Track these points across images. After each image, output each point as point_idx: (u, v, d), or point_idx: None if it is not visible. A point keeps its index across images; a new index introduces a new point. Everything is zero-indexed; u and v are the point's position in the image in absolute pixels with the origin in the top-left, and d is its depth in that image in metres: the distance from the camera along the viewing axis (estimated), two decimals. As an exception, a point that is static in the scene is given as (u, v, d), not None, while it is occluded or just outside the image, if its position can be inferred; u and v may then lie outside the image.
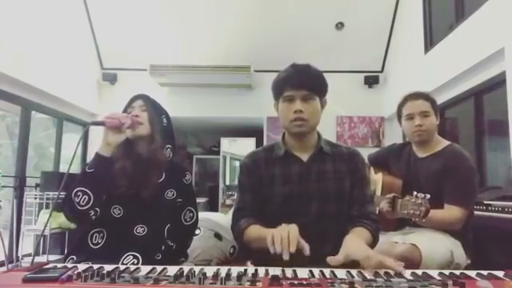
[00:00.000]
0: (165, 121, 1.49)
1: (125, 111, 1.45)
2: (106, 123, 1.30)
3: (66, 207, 1.30)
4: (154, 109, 1.47)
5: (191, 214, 1.48)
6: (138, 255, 1.26)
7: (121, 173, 1.37)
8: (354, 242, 1.14)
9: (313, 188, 1.34)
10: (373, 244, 1.29)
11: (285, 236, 1.01)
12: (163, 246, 1.38)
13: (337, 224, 1.33)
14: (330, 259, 1.05)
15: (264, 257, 1.06)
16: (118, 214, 1.37)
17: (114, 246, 1.30)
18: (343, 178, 1.37)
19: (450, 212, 1.69)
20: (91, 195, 1.27)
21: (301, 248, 1.01)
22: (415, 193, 1.49)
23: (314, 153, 1.39)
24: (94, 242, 1.34)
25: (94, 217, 1.31)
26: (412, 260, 1.54)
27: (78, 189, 1.27)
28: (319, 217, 1.33)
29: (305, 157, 1.39)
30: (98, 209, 1.31)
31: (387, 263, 0.96)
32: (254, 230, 1.28)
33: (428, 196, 1.45)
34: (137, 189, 1.37)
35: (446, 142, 1.87)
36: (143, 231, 1.36)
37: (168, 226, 1.42)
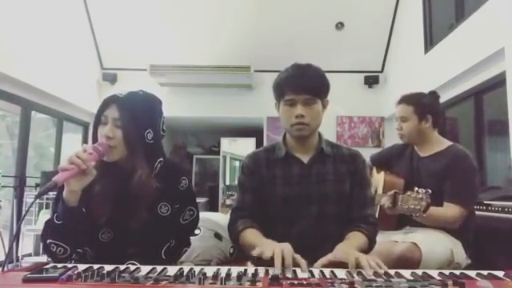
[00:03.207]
0: (150, 136, 1.19)
1: (98, 120, 1.20)
2: (58, 182, 1.02)
3: (45, 253, 1.17)
4: (134, 123, 1.16)
5: (191, 213, 1.31)
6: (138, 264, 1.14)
7: (102, 199, 1.17)
8: (341, 246, 1.16)
9: (313, 190, 1.34)
10: (369, 247, 1.29)
11: (278, 253, 0.98)
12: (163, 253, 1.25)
13: (337, 226, 1.33)
14: (320, 263, 1.05)
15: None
16: (108, 237, 1.20)
17: (111, 263, 1.14)
18: (344, 180, 1.36)
19: (449, 210, 1.70)
20: (66, 247, 1.12)
21: (298, 262, 1.00)
22: (416, 188, 1.50)
23: (314, 154, 1.38)
24: (91, 255, 1.22)
25: (77, 257, 1.17)
26: (412, 259, 1.55)
27: (49, 241, 1.11)
28: (319, 218, 1.33)
29: (305, 158, 1.38)
30: (80, 250, 1.17)
31: (362, 263, 0.96)
32: (250, 237, 1.26)
33: (429, 191, 1.46)
34: (124, 217, 1.18)
35: (448, 142, 1.88)
36: (138, 253, 1.20)
37: (166, 246, 1.23)
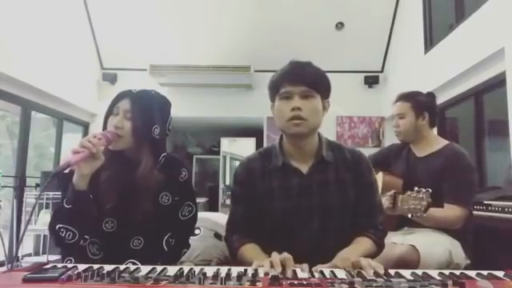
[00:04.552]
0: (157, 132, 1.25)
1: (110, 110, 1.27)
2: (71, 163, 1.08)
3: (53, 239, 1.21)
4: (143, 118, 1.23)
5: (190, 208, 1.33)
6: (138, 263, 1.18)
7: (107, 186, 1.22)
8: (342, 254, 1.12)
9: (314, 202, 1.24)
10: (378, 251, 1.26)
11: (277, 261, 0.95)
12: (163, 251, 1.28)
13: (341, 238, 1.24)
14: (316, 268, 1.00)
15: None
16: (111, 227, 1.25)
17: (112, 259, 1.18)
18: (348, 189, 1.26)
19: (451, 211, 1.70)
20: (75, 232, 1.16)
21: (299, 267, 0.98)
22: (416, 188, 1.49)
23: (314, 163, 1.27)
24: (91, 251, 1.25)
25: (85, 244, 1.21)
26: (410, 261, 1.54)
27: (59, 226, 1.15)
28: (322, 232, 1.24)
29: (304, 168, 1.27)
30: (87, 237, 1.21)
31: (362, 263, 0.96)
32: (248, 254, 1.21)
33: (430, 190, 1.45)
34: (127, 206, 1.23)
35: (444, 142, 1.88)
36: (140, 244, 1.25)
37: (167, 236, 1.27)
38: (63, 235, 1.16)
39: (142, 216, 1.22)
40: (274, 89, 1.26)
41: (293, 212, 1.25)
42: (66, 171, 1.11)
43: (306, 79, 1.21)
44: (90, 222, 1.19)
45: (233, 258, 1.31)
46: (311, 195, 1.25)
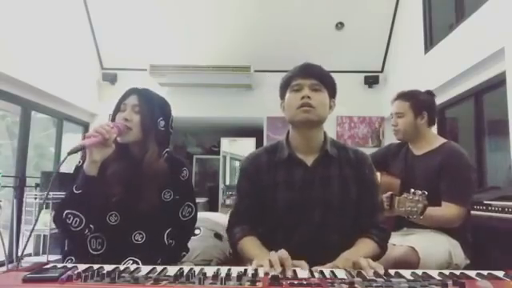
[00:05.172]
0: (162, 124, 1.34)
1: (118, 107, 1.34)
2: (85, 145, 1.15)
3: (58, 227, 1.24)
4: (150, 110, 1.32)
5: (190, 209, 1.39)
6: (139, 260, 1.21)
7: (114, 179, 1.27)
8: (344, 255, 1.14)
9: (317, 194, 1.28)
10: (381, 252, 1.27)
11: (275, 260, 0.97)
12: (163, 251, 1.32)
13: (341, 232, 1.28)
14: (315, 269, 1.00)
15: None
16: (115, 221, 1.29)
17: (114, 254, 1.23)
18: (349, 185, 1.31)
19: (448, 210, 1.69)
20: (82, 218, 1.20)
21: (297, 265, 1.00)
22: (412, 190, 1.50)
23: (318, 156, 1.32)
24: (92, 247, 1.28)
25: (89, 233, 1.25)
26: (409, 262, 1.54)
27: (67, 211, 1.19)
28: (323, 225, 1.27)
29: (309, 160, 1.32)
30: (92, 226, 1.24)
31: (362, 264, 0.97)
32: (247, 247, 1.25)
33: (426, 193, 1.46)
34: (132, 199, 1.28)
35: (442, 140, 1.88)
36: (142, 238, 1.29)
37: (168, 230, 1.33)
38: (70, 222, 1.19)
39: (145, 209, 1.26)
40: (286, 84, 1.34)
41: (296, 203, 1.28)
42: (72, 169, 1.12)
43: (315, 74, 1.30)
44: (97, 209, 1.23)
45: (232, 250, 1.35)
46: (314, 187, 1.29)
